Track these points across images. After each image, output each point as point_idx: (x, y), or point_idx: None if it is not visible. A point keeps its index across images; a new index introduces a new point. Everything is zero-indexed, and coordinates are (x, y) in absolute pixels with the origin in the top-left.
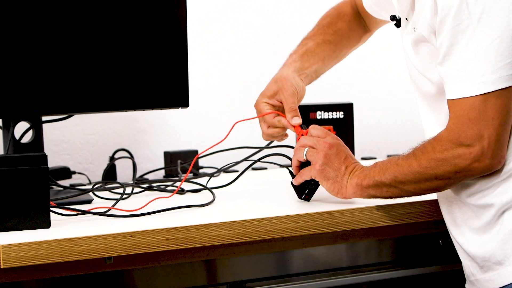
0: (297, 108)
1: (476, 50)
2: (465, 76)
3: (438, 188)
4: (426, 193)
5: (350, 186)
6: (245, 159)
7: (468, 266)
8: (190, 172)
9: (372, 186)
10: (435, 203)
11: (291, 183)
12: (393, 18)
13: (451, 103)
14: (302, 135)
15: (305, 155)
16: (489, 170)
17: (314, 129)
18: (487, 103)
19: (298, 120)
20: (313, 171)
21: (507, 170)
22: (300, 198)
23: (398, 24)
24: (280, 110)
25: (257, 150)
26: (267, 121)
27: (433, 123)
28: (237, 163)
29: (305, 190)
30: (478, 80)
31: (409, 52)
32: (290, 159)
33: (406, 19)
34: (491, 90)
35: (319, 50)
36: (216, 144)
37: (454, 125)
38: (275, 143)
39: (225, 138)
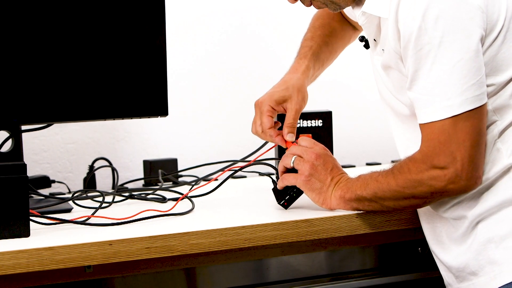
0: (296, 125)
1: (439, 74)
2: (432, 101)
3: (417, 205)
4: (406, 209)
5: (334, 198)
6: (226, 168)
7: (444, 276)
8: (170, 181)
9: (354, 200)
10: (413, 210)
11: (272, 189)
12: (361, 39)
13: (422, 126)
14: (292, 142)
15: (293, 162)
16: (465, 192)
17: (303, 140)
18: (457, 126)
19: (292, 138)
20: (298, 180)
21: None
22: (278, 203)
23: (367, 46)
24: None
25: (237, 161)
26: (264, 126)
27: (405, 139)
28: (219, 171)
29: (285, 197)
30: (444, 103)
31: (381, 73)
32: (271, 166)
33: (375, 40)
34: (459, 113)
35: (321, 54)
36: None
37: (427, 148)
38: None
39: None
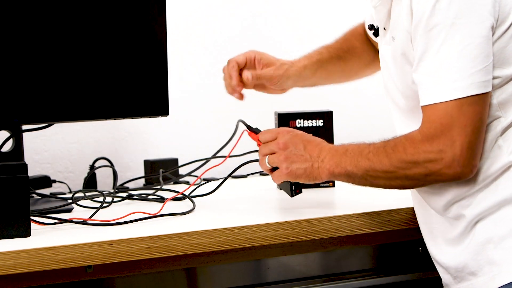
0: (259, 79)
1: (448, 55)
2: (437, 82)
3: (409, 186)
4: (396, 189)
5: (322, 173)
6: (202, 166)
7: (443, 277)
8: (170, 180)
9: (344, 175)
10: (413, 210)
11: (277, 187)
12: (371, 27)
13: (425, 108)
14: (259, 140)
15: (268, 163)
16: (460, 178)
17: (262, 135)
18: (460, 110)
19: (248, 76)
20: (282, 175)
21: (479, 182)
22: (292, 196)
23: (376, 33)
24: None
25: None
26: (237, 58)
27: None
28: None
29: (292, 187)
30: (450, 85)
31: (388, 63)
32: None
33: (384, 28)
34: (464, 96)
35: (329, 65)
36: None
37: (427, 129)
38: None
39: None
